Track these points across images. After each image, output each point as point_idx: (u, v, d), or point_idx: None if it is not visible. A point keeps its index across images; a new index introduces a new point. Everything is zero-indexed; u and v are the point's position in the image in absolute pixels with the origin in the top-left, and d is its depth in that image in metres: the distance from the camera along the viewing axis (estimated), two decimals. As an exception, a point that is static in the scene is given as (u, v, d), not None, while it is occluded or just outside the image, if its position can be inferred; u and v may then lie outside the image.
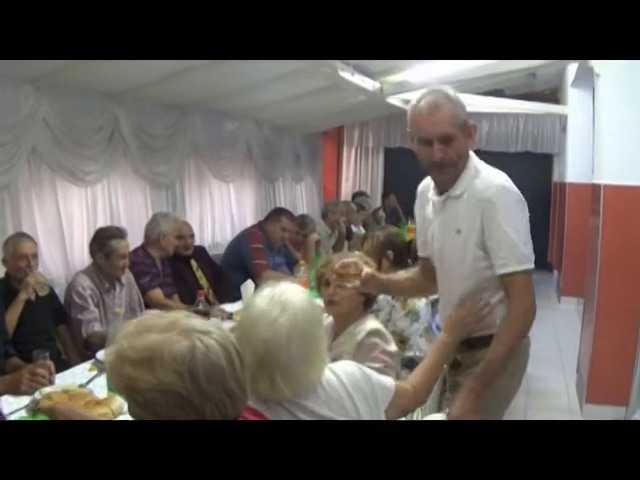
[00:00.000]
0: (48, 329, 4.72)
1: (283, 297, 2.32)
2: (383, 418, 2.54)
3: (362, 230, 9.89)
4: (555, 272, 12.01)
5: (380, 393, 2.56)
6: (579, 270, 8.23)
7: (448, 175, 3.00)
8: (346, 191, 13.47)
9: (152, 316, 1.76)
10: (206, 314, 4.33)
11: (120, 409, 3.08)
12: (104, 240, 5.05)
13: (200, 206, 8.02)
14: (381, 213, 11.51)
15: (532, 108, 10.94)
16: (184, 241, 6.34)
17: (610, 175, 5.65)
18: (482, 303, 3.04)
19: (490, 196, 2.89)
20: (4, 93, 4.64)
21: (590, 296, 6.16)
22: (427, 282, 3.47)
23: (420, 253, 3.43)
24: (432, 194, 3.12)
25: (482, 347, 2.99)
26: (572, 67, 9.21)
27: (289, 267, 7.34)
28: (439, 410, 3.22)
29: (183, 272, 6.34)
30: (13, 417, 3.13)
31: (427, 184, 3.24)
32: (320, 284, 3.65)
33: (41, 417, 2.95)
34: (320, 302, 3.41)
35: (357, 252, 5.32)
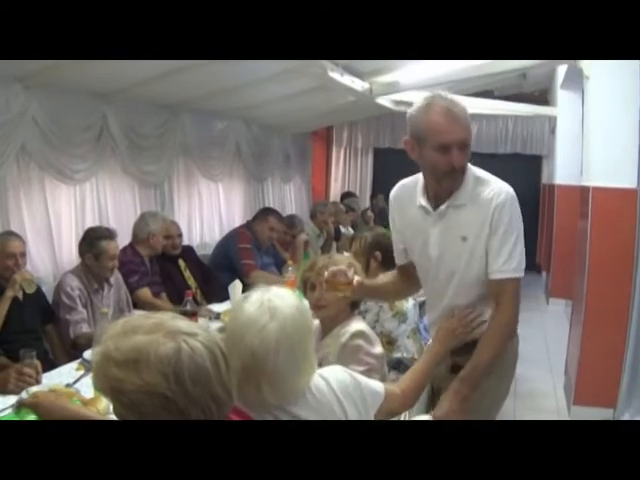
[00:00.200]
0: (35, 328, 4.69)
1: (272, 303, 2.31)
2: (371, 421, 2.53)
3: (350, 231, 9.88)
4: (544, 274, 12.03)
5: (369, 397, 2.56)
6: (568, 272, 8.25)
7: (457, 181, 2.98)
8: (335, 191, 13.47)
9: (138, 317, 1.76)
10: (194, 314, 4.31)
11: (106, 409, 3.07)
12: (93, 241, 5.02)
13: (189, 206, 8.02)
14: (369, 214, 11.51)
15: (521, 109, 10.98)
16: (172, 241, 6.32)
17: (599, 177, 5.67)
18: (474, 314, 3.06)
19: (502, 202, 2.92)
20: (-7, 91, 4.63)
21: (578, 298, 6.18)
22: (408, 287, 3.55)
23: (399, 261, 3.42)
24: (423, 203, 3.08)
25: None
26: (561, 69, 9.25)
27: (277, 267, 7.32)
28: (427, 412, 3.22)
29: (171, 272, 6.33)
30: (0, 417, 3.11)
31: (403, 193, 3.23)
32: (306, 288, 3.64)
33: (25, 412, 2.93)
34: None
35: (345, 253, 5.32)
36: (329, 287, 3.27)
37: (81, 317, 4.86)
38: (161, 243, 6.12)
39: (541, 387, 6.75)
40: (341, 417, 2.41)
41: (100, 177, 6.14)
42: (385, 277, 3.75)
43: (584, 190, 6.04)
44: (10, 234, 4.63)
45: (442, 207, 3.01)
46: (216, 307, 5.58)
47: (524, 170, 12.72)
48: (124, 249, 5.78)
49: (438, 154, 2.88)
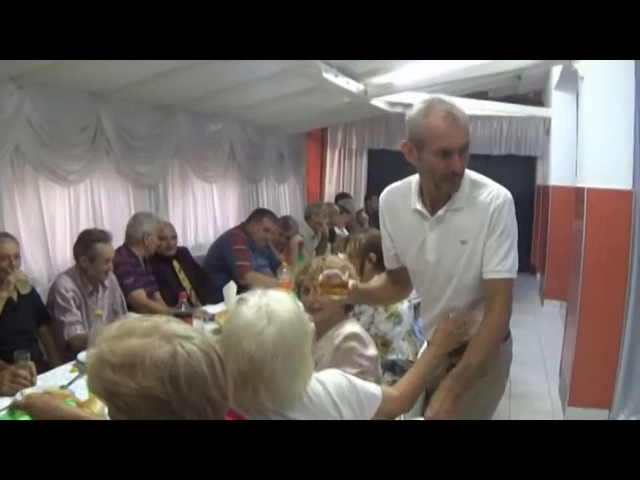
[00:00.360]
0: (30, 330, 4.67)
1: (270, 307, 2.31)
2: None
3: (345, 232, 9.89)
4: (538, 275, 12.04)
5: (366, 400, 2.57)
6: (562, 273, 8.26)
7: (456, 185, 2.98)
8: (329, 192, 13.45)
9: (133, 320, 1.75)
10: (188, 316, 4.30)
11: (101, 411, 3.06)
12: (89, 243, 4.99)
13: (183, 207, 8.01)
14: (364, 215, 11.51)
15: (516, 111, 10.97)
16: (166, 242, 6.31)
17: (594, 178, 5.67)
18: (470, 316, 3.08)
19: (500, 204, 2.94)
20: (-13, 92, 4.62)
21: (573, 299, 6.18)
22: (399, 292, 3.58)
23: (389, 266, 3.42)
24: (419, 207, 3.07)
25: None
26: (556, 70, 9.24)
27: (272, 269, 7.32)
28: (422, 414, 3.22)
29: (165, 273, 6.33)
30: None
31: (394, 197, 3.23)
32: (300, 291, 3.63)
33: (19, 414, 2.92)
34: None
35: (340, 255, 5.32)
36: (323, 290, 3.25)
37: (75, 318, 4.83)
38: (155, 243, 6.11)
39: (536, 388, 6.75)
40: (337, 418, 2.41)
41: (94, 178, 6.12)
42: (376, 282, 3.75)
43: (579, 191, 6.04)
44: (4, 235, 4.60)
45: (440, 211, 3.01)
46: (210, 309, 5.55)
47: (519, 171, 12.70)
48: (119, 250, 5.78)
49: (438, 158, 2.87)
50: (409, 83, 7.51)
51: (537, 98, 12.60)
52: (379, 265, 4.50)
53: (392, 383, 3.31)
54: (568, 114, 9.68)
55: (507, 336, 3.20)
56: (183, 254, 6.76)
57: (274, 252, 7.80)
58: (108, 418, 1.73)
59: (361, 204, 12.90)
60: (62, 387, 3.57)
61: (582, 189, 5.79)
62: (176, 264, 6.51)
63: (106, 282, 5.23)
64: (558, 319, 9.07)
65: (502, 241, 2.93)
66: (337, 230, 9.81)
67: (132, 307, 5.59)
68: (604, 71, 5.53)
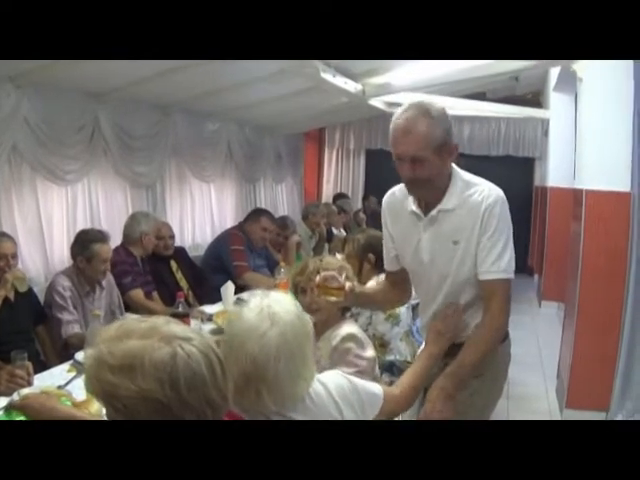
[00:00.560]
0: (27, 329, 4.68)
1: (272, 309, 2.31)
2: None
3: (343, 232, 9.89)
4: (536, 276, 12.03)
5: (367, 398, 2.58)
6: (560, 274, 8.27)
7: (422, 192, 3.02)
8: (327, 193, 13.44)
9: (132, 321, 1.74)
10: (186, 316, 4.29)
11: (98, 411, 3.05)
12: (86, 244, 4.99)
13: (180, 207, 8.02)
14: (362, 215, 11.50)
15: (514, 112, 10.98)
16: (164, 242, 6.31)
17: (592, 180, 5.66)
18: (457, 314, 3.09)
19: (492, 203, 2.93)
20: (-16, 91, 4.61)
21: (571, 301, 6.17)
22: (399, 295, 3.56)
23: (390, 268, 3.42)
24: (414, 208, 3.09)
25: None
26: (554, 71, 9.23)
27: (270, 269, 7.30)
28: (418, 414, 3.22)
29: (163, 273, 6.32)
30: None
31: (395, 199, 3.24)
32: (296, 292, 3.62)
33: (16, 414, 2.91)
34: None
35: (338, 255, 5.31)
36: (320, 292, 3.26)
37: (73, 317, 4.83)
38: (153, 243, 6.12)
39: (533, 390, 6.75)
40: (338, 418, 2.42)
41: (92, 178, 6.13)
42: (375, 287, 3.75)
43: (577, 193, 6.03)
44: (1, 235, 4.61)
45: (432, 212, 3.03)
46: (208, 309, 5.56)
47: (516, 172, 12.68)
48: (116, 249, 5.77)
49: (397, 162, 2.96)
50: (407, 83, 7.50)
51: (535, 99, 12.60)
52: (377, 266, 4.51)
53: (390, 384, 3.30)
54: (566, 115, 9.67)
55: (505, 337, 3.18)
56: (180, 254, 6.76)
57: (272, 252, 7.79)
58: (105, 418, 1.72)
59: (359, 204, 12.90)
60: (59, 387, 3.56)
61: (580, 191, 5.79)
62: (173, 264, 6.50)
63: (103, 282, 5.22)
64: (555, 320, 9.07)
65: (495, 241, 2.92)
66: (334, 230, 9.81)
67: (129, 307, 5.59)
68: (603, 72, 5.53)
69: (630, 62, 5.35)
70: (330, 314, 3.49)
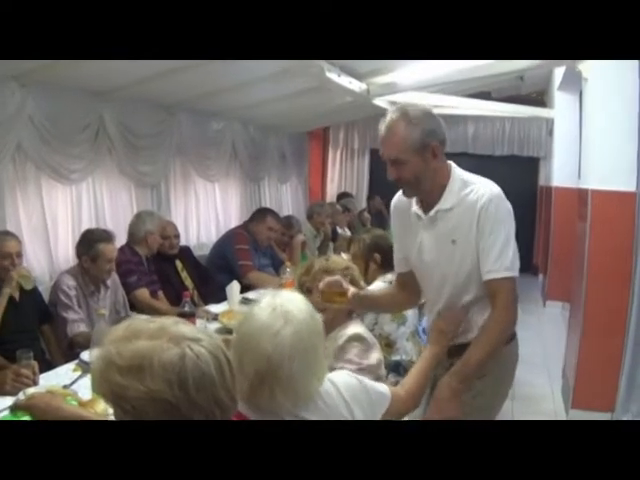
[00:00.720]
0: (32, 328, 4.68)
1: (285, 308, 2.31)
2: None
3: (347, 232, 9.89)
4: (540, 276, 12.02)
5: (376, 398, 2.59)
6: (565, 274, 8.25)
7: (412, 192, 3.09)
8: (331, 192, 13.43)
9: (140, 321, 1.73)
10: (192, 315, 4.29)
11: (105, 411, 3.05)
12: (91, 243, 4.99)
13: (185, 206, 8.02)
14: (366, 215, 11.48)
15: (518, 111, 10.97)
16: (169, 241, 6.31)
17: (597, 180, 5.65)
18: (458, 313, 3.09)
19: (486, 202, 2.93)
20: (-11, 90, 4.61)
21: (577, 301, 6.16)
22: (408, 297, 3.56)
23: (400, 269, 3.44)
24: (416, 209, 3.13)
25: None
26: (559, 70, 9.23)
27: (275, 268, 7.30)
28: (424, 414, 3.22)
29: (168, 272, 6.32)
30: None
31: (402, 201, 3.25)
32: (302, 292, 3.62)
33: (21, 414, 2.91)
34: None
35: (343, 254, 5.30)
36: (324, 298, 3.28)
37: (78, 316, 4.84)
38: (158, 242, 6.12)
39: (538, 390, 6.73)
40: (348, 418, 2.43)
41: (96, 177, 6.12)
42: (381, 290, 3.75)
43: (582, 193, 6.03)
44: (6, 234, 4.60)
45: (431, 212, 3.06)
46: (213, 308, 5.56)
47: (521, 172, 12.67)
48: (122, 249, 5.76)
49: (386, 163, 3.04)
50: (412, 83, 7.49)
51: (540, 99, 12.58)
52: (383, 265, 4.51)
53: (396, 384, 3.30)
54: (571, 115, 9.67)
55: (512, 337, 3.16)
56: (185, 253, 6.76)
57: (277, 251, 7.79)
58: (111, 418, 1.72)
59: (363, 204, 12.88)
60: (65, 386, 3.56)
61: (586, 190, 5.78)
62: (178, 263, 6.51)
63: (108, 282, 5.22)
64: (560, 320, 9.07)
65: (494, 240, 2.91)
66: (339, 230, 9.81)
67: (134, 306, 5.59)
68: (608, 72, 5.52)
69: (635, 62, 5.34)
70: (336, 314, 3.49)
